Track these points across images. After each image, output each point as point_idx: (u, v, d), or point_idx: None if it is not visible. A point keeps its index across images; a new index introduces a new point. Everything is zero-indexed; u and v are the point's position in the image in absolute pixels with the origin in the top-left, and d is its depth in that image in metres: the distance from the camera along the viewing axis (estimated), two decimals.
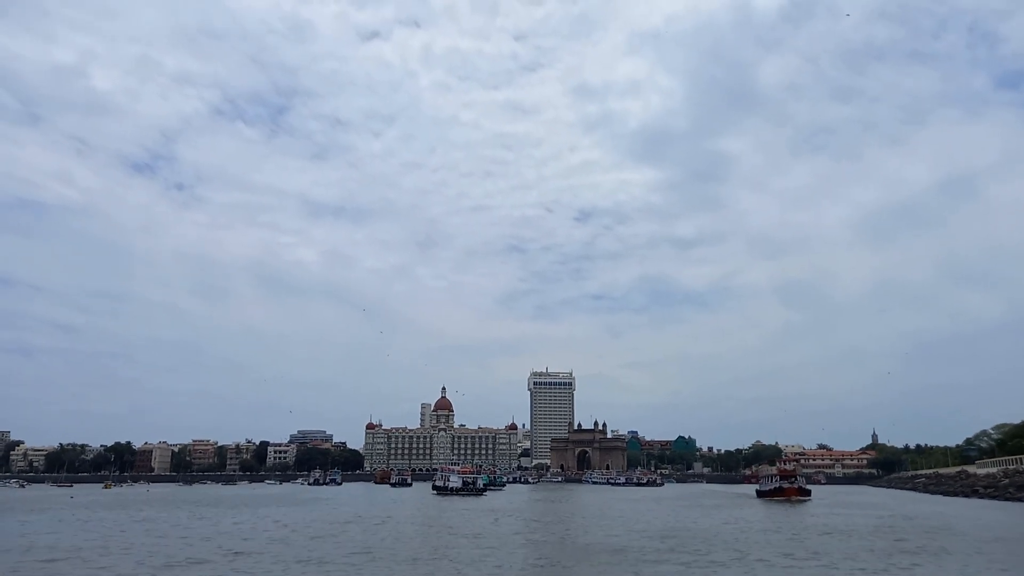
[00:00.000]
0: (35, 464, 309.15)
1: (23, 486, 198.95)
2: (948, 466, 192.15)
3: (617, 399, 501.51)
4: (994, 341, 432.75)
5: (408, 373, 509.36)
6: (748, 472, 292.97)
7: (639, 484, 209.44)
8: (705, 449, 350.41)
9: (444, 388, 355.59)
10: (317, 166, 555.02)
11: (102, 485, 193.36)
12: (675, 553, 38.87)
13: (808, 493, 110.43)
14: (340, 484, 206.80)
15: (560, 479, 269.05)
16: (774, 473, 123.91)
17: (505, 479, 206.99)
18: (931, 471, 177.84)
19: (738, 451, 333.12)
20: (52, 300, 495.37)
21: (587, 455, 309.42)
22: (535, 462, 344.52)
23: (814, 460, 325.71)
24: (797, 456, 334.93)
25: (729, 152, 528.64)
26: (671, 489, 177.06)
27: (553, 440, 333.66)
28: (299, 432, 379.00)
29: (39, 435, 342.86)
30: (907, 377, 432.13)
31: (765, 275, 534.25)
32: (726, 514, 73.02)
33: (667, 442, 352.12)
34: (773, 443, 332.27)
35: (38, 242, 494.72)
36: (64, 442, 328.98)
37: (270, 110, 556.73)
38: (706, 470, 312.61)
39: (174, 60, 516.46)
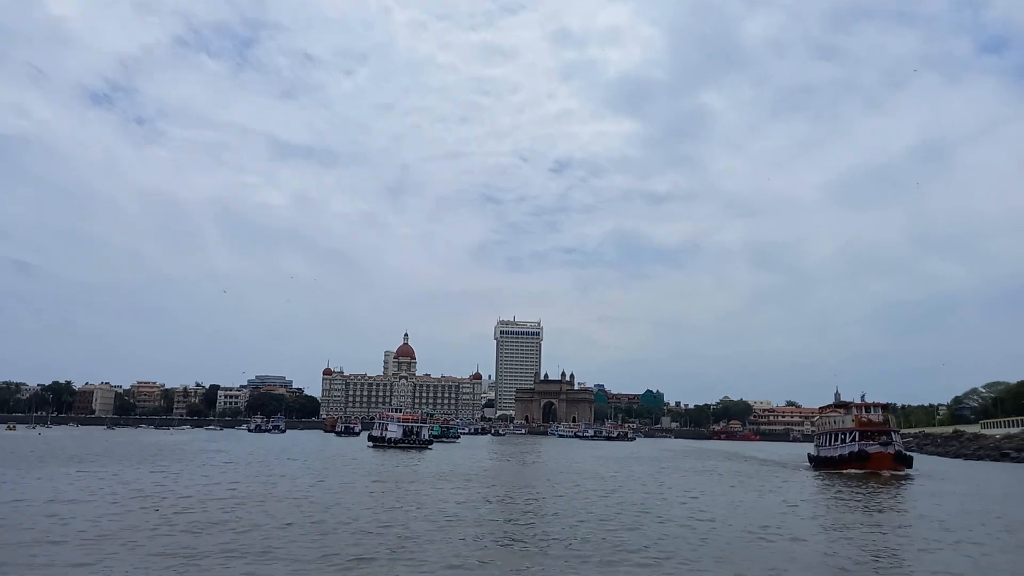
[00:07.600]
0: None
1: None
2: (931, 425, 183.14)
3: (585, 354, 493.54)
4: (964, 310, 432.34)
5: (375, 321, 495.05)
6: (718, 427, 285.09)
7: (609, 438, 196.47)
8: (673, 404, 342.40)
9: (406, 335, 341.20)
10: (285, 104, 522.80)
11: (5, 427, 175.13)
12: None
13: (910, 463, 64.88)
14: (284, 431, 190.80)
15: (524, 431, 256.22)
16: (847, 428, 67.47)
17: (461, 430, 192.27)
18: (916, 431, 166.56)
19: (706, 406, 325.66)
20: (10, 239, 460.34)
21: (553, 407, 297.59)
22: (499, 413, 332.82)
23: (783, 417, 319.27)
24: (767, 412, 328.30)
25: (708, 108, 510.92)
26: (644, 445, 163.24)
27: (518, 391, 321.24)
28: (256, 377, 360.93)
29: None
30: (875, 341, 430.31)
31: (737, 236, 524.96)
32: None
33: (635, 396, 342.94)
34: (739, 399, 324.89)
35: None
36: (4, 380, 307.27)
37: (236, 43, 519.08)
38: (674, 425, 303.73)
39: None
